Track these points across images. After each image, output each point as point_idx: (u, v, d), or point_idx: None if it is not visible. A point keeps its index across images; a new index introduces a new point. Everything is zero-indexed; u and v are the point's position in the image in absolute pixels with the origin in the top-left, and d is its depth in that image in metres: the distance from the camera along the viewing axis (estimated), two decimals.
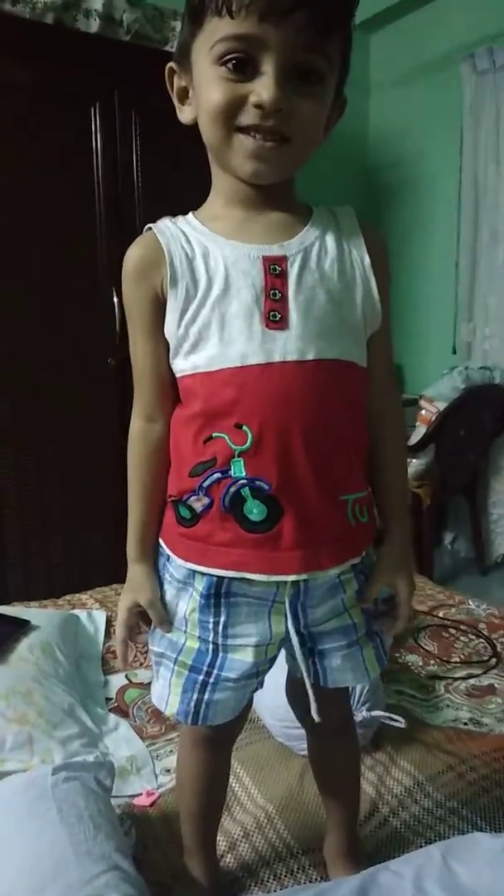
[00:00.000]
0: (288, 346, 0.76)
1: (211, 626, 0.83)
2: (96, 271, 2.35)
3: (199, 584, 0.83)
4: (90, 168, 2.29)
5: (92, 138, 2.27)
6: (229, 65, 0.70)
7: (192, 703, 0.84)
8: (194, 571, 0.83)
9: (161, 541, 0.88)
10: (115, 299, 2.35)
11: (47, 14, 2.15)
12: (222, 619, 0.83)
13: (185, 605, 0.85)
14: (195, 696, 0.84)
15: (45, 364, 2.31)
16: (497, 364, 3.09)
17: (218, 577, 0.81)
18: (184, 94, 0.79)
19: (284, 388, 0.76)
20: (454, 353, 3.39)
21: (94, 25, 2.23)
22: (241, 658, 0.84)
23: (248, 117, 0.71)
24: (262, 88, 0.69)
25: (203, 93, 0.73)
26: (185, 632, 0.85)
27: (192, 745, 0.97)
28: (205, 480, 0.79)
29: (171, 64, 0.79)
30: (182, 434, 0.83)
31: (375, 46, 3.55)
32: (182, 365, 0.80)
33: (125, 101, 2.30)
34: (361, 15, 3.53)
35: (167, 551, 0.87)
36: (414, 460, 2.96)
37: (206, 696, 0.84)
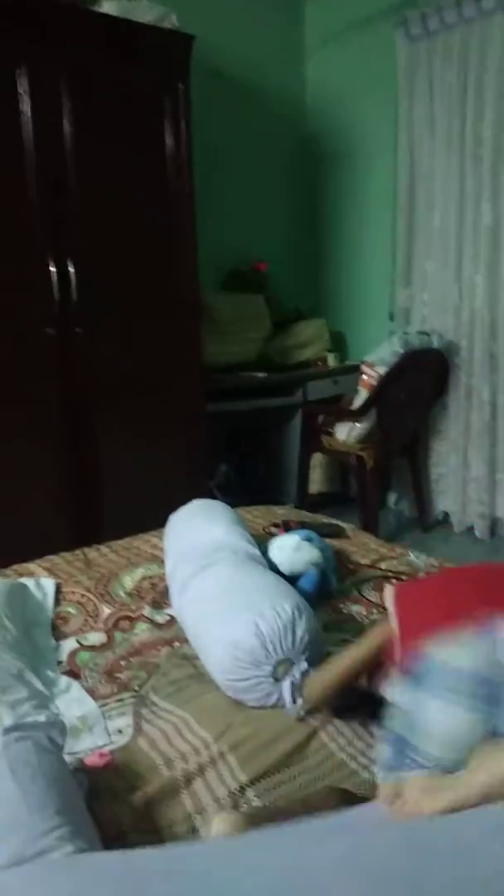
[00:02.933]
0: None
1: None
2: (32, 240, 2.30)
3: None
4: (18, 135, 2.21)
5: (19, 101, 2.20)
6: None
7: None
8: None
9: None
10: (53, 268, 2.31)
11: None
12: None
13: None
14: None
15: None
16: (434, 329, 3.17)
17: None
18: None
19: None
20: (391, 319, 3.45)
21: None
22: None
23: None
24: None
25: None
26: None
27: None
28: None
29: None
30: None
31: (311, 9, 3.52)
32: None
33: (53, 61, 2.22)
34: None
35: None
36: (357, 424, 3.02)
37: None
